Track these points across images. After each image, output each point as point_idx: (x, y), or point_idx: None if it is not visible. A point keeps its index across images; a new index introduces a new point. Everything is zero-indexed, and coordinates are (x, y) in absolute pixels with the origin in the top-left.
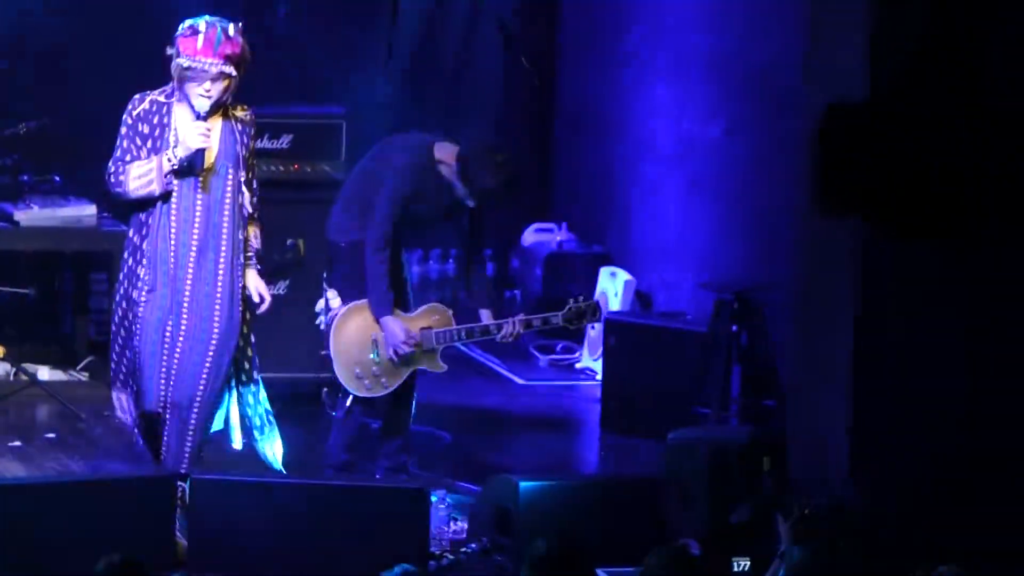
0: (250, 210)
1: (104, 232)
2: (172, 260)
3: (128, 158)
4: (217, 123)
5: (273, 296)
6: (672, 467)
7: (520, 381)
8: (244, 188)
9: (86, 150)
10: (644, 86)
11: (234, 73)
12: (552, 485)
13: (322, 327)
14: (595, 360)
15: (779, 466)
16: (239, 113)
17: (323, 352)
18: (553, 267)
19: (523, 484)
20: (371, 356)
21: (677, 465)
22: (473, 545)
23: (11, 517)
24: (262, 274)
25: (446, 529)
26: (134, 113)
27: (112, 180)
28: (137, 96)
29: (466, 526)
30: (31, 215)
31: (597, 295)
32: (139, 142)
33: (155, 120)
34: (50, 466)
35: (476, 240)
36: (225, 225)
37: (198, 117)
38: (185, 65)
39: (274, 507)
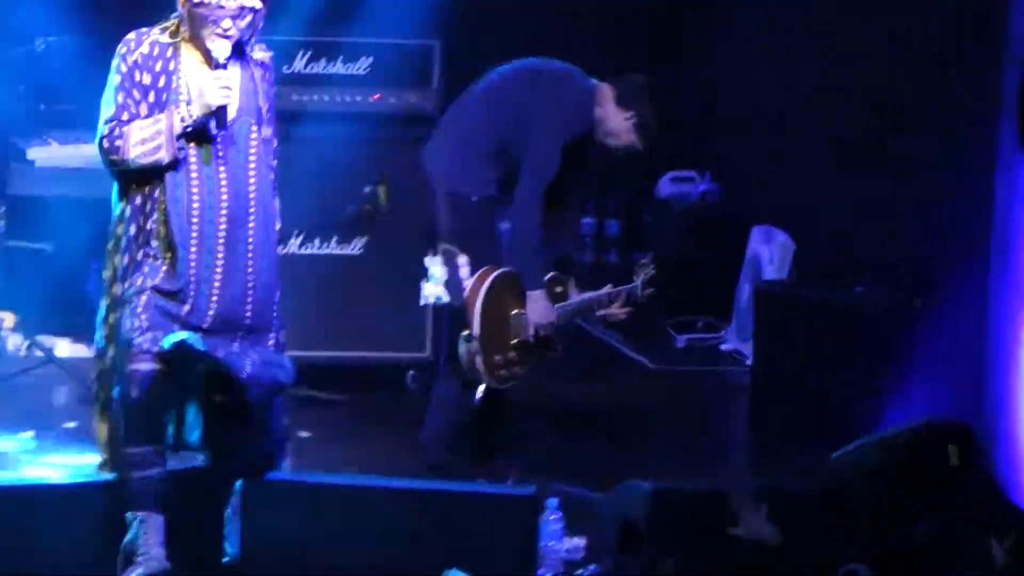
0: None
1: None
2: (195, 252)
3: (126, 116)
4: (235, 70)
5: (347, 256)
6: (835, 475)
7: (651, 365)
8: (265, 143)
9: None
10: None
11: (258, 6)
12: (691, 494)
13: (434, 300)
14: (744, 341)
15: (969, 458)
16: (257, 55)
17: (466, 332)
18: (693, 224)
19: (654, 491)
20: (512, 340)
21: (839, 472)
22: (593, 567)
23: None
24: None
25: (559, 545)
26: (130, 59)
27: (107, 145)
28: (131, 36)
29: (583, 543)
30: (49, 153)
31: (747, 260)
32: (138, 95)
33: (158, 67)
34: (68, 463)
35: (573, 216)
36: (253, 197)
37: (216, 66)
38: (197, 0)
39: (349, 514)
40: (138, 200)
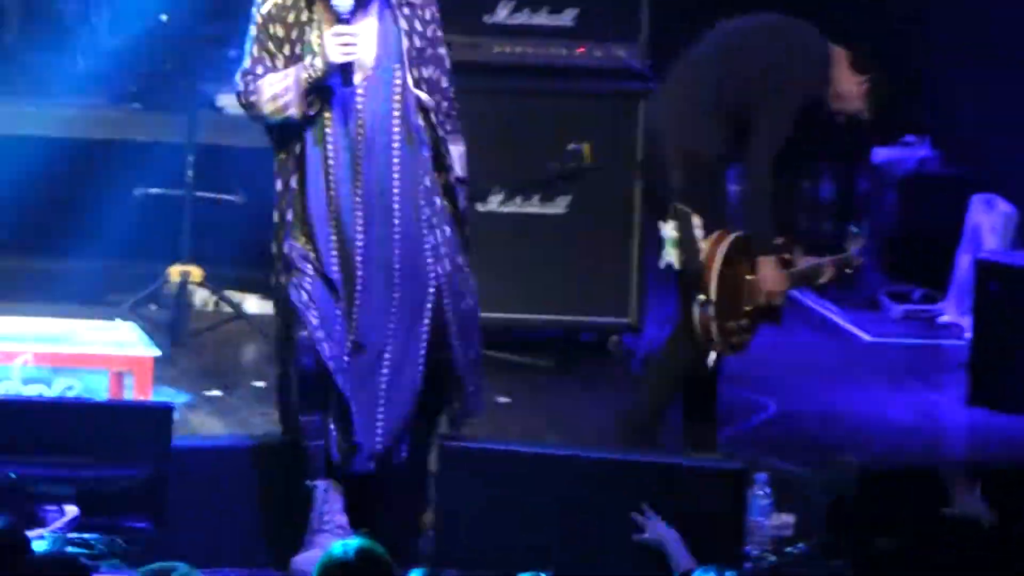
0: (439, 124)
1: None
2: (333, 216)
3: (260, 70)
4: (368, 20)
5: (548, 217)
6: None
7: (866, 337)
8: (419, 93)
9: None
10: None
11: None
12: (904, 471)
13: (670, 263)
14: (963, 314)
15: None
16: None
17: (700, 297)
18: (911, 192)
19: (867, 469)
20: (745, 306)
21: None
22: (801, 545)
23: None
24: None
25: (767, 522)
26: (263, 9)
27: (243, 100)
28: None
29: (792, 520)
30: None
31: (967, 230)
32: (272, 48)
33: (291, 18)
34: (256, 422)
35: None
36: (396, 150)
37: (340, 18)
38: None
39: (548, 484)
40: (282, 155)
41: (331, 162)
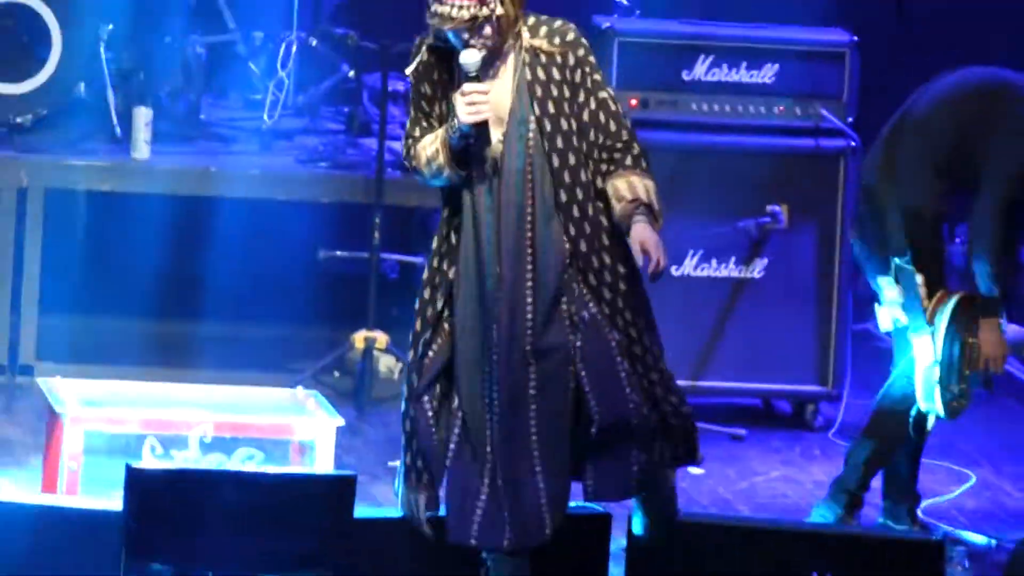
0: (601, 165)
1: None
2: (477, 290)
3: (418, 132)
4: (507, 67)
5: (747, 280)
6: None
7: None
8: (567, 145)
9: None
10: None
11: (491, 11)
12: None
13: (893, 325)
14: None
15: None
16: (537, 41)
17: (925, 365)
18: None
19: None
20: (966, 370)
21: None
22: None
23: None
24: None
25: None
26: (413, 68)
27: (407, 165)
28: (418, 39)
29: None
30: None
31: None
32: (426, 107)
33: (436, 75)
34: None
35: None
36: (529, 212)
37: (467, 76)
38: (431, 11)
39: (745, 555)
40: (445, 213)
41: (480, 226)
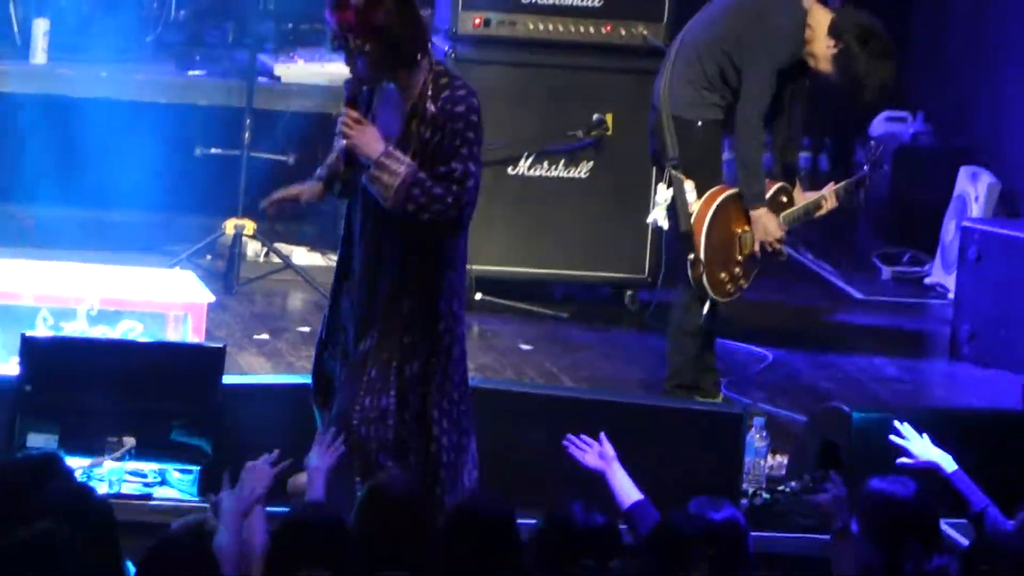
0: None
1: None
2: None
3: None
4: (400, 106)
5: (573, 180)
6: None
7: (858, 295)
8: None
9: None
10: None
11: (358, 45)
12: (892, 418)
13: (660, 223)
14: (948, 275)
15: None
16: (427, 101)
17: (690, 256)
18: (904, 163)
19: (857, 415)
20: (738, 256)
21: None
22: (793, 484)
23: None
24: None
25: (763, 463)
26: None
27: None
28: None
29: (786, 461)
30: (294, 70)
31: (954, 198)
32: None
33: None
34: (301, 365)
35: (798, 125)
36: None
37: (347, 99)
38: None
39: (567, 423)
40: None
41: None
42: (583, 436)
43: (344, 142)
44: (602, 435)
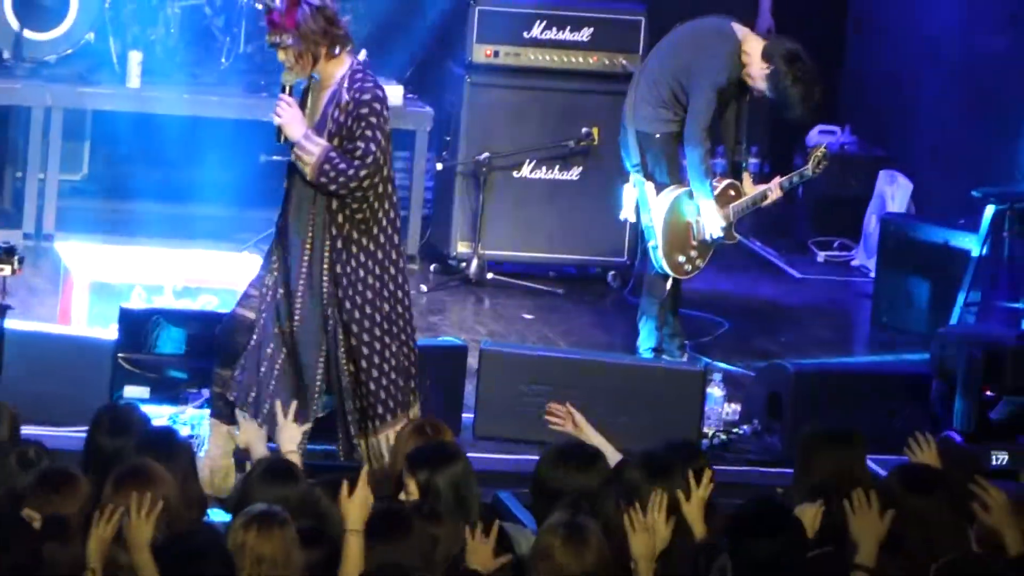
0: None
1: (409, 112)
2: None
3: None
4: (323, 96)
5: (566, 181)
6: (944, 360)
7: (796, 275)
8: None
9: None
10: None
11: (285, 42)
12: (823, 372)
13: (630, 219)
14: (870, 259)
15: None
16: (343, 91)
17: (652, 244)
18: (834, 167)
19: (795, 370)
20: (692, 241)
21: (950, 359)
22: (745, 427)
23: None
24: None
25: (720, 410)
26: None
27: None
28: None
29: (739, 408)
30: None
31: (874, 196)
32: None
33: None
34: None
35: (743, 132)
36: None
37: (281, 87)
38: None
39: (561, 379)
40: None
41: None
42: (555, 405)
43: (276, 121)
44: (567, 404)
